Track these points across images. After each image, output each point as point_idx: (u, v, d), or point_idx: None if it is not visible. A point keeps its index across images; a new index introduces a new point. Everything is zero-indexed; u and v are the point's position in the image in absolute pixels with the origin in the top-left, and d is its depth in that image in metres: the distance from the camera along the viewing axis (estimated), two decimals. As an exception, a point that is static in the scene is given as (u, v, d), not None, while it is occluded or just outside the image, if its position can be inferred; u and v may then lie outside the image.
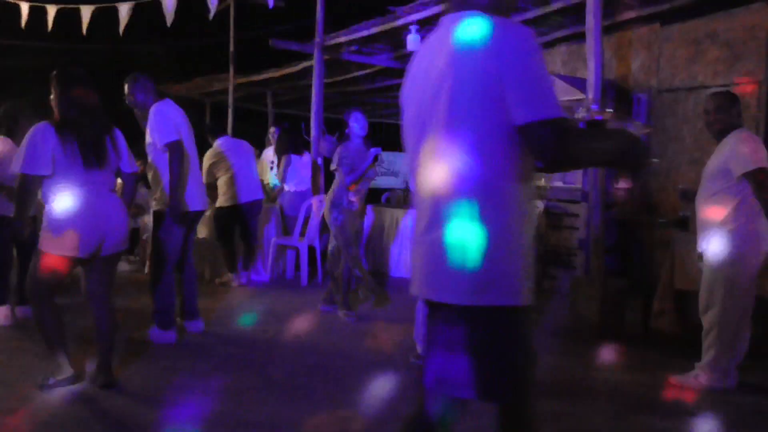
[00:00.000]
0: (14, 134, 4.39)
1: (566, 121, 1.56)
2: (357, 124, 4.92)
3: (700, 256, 3.59)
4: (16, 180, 3.22)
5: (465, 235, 1.60)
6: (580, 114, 1.74)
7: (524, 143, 1.56)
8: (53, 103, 3.26)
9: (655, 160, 3.08)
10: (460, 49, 1.60)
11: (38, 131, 3.16)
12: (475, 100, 1.57)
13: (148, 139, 4.17)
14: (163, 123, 4.06)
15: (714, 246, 3.48)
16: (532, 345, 1.70)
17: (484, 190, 1.59)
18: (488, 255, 1.58)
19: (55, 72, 3.30)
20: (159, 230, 4.19)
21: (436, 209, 1.65)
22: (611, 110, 2.49)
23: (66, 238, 3.13)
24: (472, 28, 1.59)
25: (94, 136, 3.26)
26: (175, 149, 4.02)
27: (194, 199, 4.23)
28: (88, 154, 3.19)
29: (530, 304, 1.66)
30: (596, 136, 1.73)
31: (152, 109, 4.11)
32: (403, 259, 7.01)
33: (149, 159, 4.23)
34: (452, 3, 1.75)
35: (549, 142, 1.52)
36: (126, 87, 4.25)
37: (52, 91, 3.26)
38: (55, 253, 3.15)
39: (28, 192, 3.17)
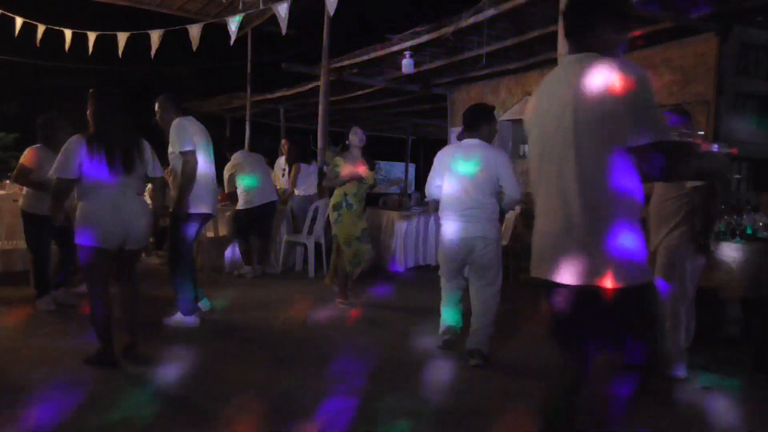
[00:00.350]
0: (51, 142, 4.38)
1: (673, 143, 1.74)
2: (354, 137, 4.95)
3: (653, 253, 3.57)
4: (52, 182, 3.34)
5: (605, 232, 1.76)
6: (675, 137, 1.91)
7: (637, 161, 1.73)
8: (89, 117, 3.34)
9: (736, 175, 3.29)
10: (583, 84, 1.76)
11: (71, 143, 3.28)
12: (595, 126, 1.74)
13: (170, 148, 4.20)
14: (181, 134, 4.09)
15: (664, 246, 3.47)
16: None
17: (610, 197, 1.74)
18: (629, 246, 1.76)
19: (92, 90, 3.38)
20: (175, 228, 4.19)
21: (574, 212, 1.81)
22: (701, 133, 2.81)
23: (94, 231, 3.22)
24: (595, 68, 1.76)
25: (122, 146, 3.33)
26: (189, 157, 4.06)
27: (206, 203, 4.22)
28: (116, 162, 3.28)
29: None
30: (694, 157, 1.83)
31: (174, 123, 4.15)
32: (397, 255, 7.00)
33: (170, 166, 4.25)
34: (571, 45, 1.91)
35: (660, 160, 1.69)
36: (156, 105, 4.33)
37: (89, 106, 3.34)
38: (85, 244, 3.24)
39: (60, 192, 3.32)
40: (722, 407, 3.10)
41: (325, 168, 7.39)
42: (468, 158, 3.53)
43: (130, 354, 3.40)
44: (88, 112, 3.34)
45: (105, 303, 3.30)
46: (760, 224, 3.88)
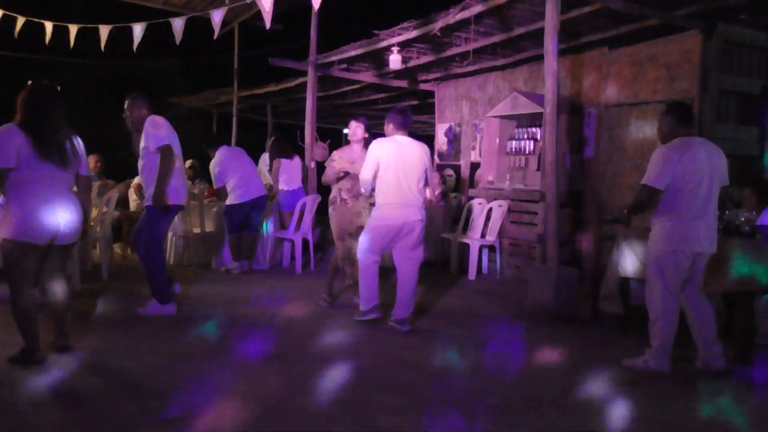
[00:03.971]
0: None
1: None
2: (349, 132, 4.93)
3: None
4: None
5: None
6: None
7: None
8: (18, 107, 3.22)
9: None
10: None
11: (4, 130, 3.14)
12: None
13: (142, 144, 4.31)
14: (158, 130, 4.24)
15: (648, 243, 3.51)
16: None
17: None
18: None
19: (29, 82, 3.30)
20: (149, 221, 4.31)
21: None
22: None
23: (23, 226, 3.11)
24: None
25: (56, 139, 3.22)
26: (165, 152, 4.19)
27: (177, 194, 4.35)
28: (49, 155, 3.17)
29: None
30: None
31: (148, 120, 4.28)
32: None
33: (142, 161, 4.35)
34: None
35: None
36: (126, 103, 4.41)
37: (20, 98, 3.22)
38: (14, 239, 3.12)
39: None
40: (705, 399, 3.13)
41: (312, 164, 7.37)
42: (411, 153, 4.15)
43: (59, 343, 3.38)
44: (18, 104, 3.21)
45: (29, 300, 3.20)
46: (743, 219, 3.93)
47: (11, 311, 3.23)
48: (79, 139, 3.43)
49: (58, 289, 3.41)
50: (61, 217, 3.21)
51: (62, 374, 3.12)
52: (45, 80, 3.35)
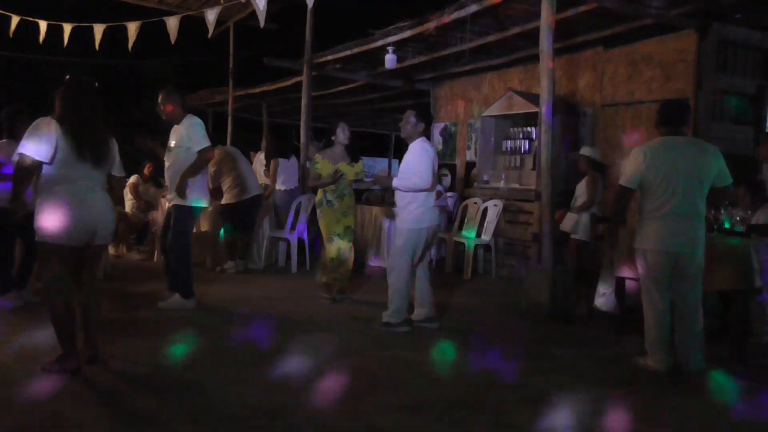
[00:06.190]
0: (16, 135, 4.26)
1: None
2: (342, 134, 4.90)
3: None
4: (16, 161, 3.03)
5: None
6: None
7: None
8: (56, 103, 3.10)
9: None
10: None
11: (43, 123, 3.02)
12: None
13: (172, 142, 4.44)
14: (199, 132, 4.42)
15: None
16: None
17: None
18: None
19: (67, 77, 3.20)
20: (176, 221, 4.45)
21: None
22: None
23: (59, 227, 3.00)
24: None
25: (92, 138, 3.11)
26: (204, 152, 4.40)
27: (203, 198, 4.57)
28: (86, 153, 3.06)
29: None
30: None
31: (190, 120, 4.45)
32: (380, 251, 6.97)
33: (172, 159, 4.44)
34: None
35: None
36: (160, 97, 4.48)
37: (59, 92, 3.11)
38: (51, 241, 3.02)
39: (25, 173, 3.01)
40: (698, 398, 3.13)
41: (308, 164, 7.35)
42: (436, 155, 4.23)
43: (88, 352, 3.19)
44: (57, 98, 3.10)
45: (67, 304, 3.07)
46: (737, 218, 3.93)
47: (49, 317, 3.08)
48: (113, 140, 3.32)
49: (87, 293, 3.23)
50: (96, 217, 3.10)
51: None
52: (84, 75, 3.33)
